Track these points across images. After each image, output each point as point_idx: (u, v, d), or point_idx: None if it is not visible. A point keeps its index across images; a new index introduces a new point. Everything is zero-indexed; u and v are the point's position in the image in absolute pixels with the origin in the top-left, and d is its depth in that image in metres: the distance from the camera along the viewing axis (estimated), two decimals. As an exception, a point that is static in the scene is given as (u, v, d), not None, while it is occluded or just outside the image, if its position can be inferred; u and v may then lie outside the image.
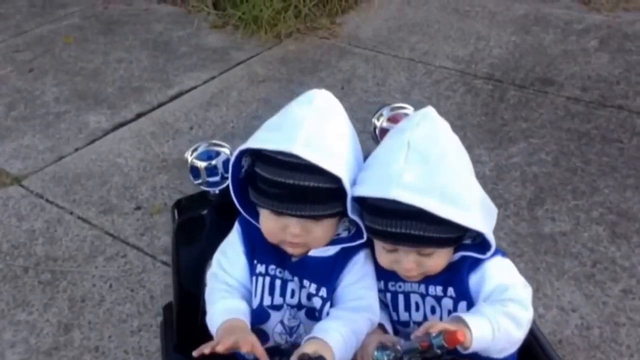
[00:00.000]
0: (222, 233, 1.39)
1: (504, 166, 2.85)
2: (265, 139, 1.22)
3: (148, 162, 3.07)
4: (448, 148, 1.21)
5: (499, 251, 1.26)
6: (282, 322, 1.33)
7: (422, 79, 3.56)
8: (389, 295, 1.31)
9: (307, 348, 1.15)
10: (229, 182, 1.28)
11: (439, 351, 1.08)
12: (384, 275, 1.30)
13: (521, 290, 1.22)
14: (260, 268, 1.33)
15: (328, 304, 1.28)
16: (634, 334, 2.09)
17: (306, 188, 1.18)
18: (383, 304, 1.31)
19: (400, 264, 1.23)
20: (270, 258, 1.32)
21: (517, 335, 1.18)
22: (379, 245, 1.25)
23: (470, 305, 1.23)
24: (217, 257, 1.37)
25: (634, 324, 2.13)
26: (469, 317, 1.14)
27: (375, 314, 1.27)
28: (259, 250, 1.33)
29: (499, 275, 1.24)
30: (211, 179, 1.48)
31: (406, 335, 1.24)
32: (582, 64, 3.56)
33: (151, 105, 3.53)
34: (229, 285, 1.33)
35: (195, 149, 1.47)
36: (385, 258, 1.25)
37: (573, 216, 2.57)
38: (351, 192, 1.20)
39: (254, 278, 1.33)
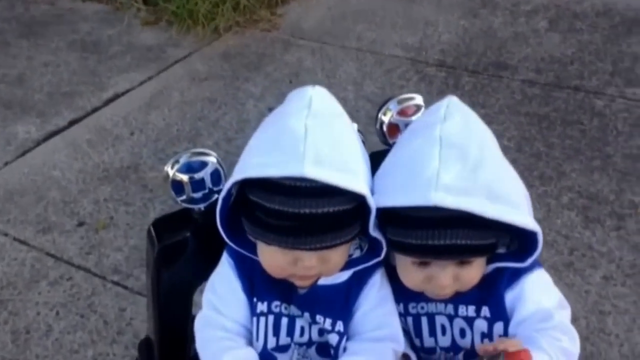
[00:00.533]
0: (210, 258, 1.21)
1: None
2: (263, 163, 1.00)
3: (87, 173, 2.85)
4: (484, 139, 1.06)
5: (537, 262, 1.11)
6: None
7: (373, 69, 3.46)
8: (410, 319, 1.14)
9: None
10: (219, 199, 1.07)
11: None
12: (402, 296, 1.14)
13: (566, 317, 1.08)
14: (262, 306, 1.14)
15: (345, 339, 1.12)
16: (621, 322, 2.04)
17: (325, 215, 0.99)
18: (404, 330, 1.14)
19: (434, 281, 1.05)
20: (272, 293, 1.13)
21: None
22: (406, 262, 1.07)
23: (507, 327, 1.08)
24: (208, 297, 1.16)
25: (620, 312, 2.08)
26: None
27: (400, 343, 1.11)
28: (258, 284, 1.13)
29: (539, 295, 1.09)
30: (196, 195, 1.26)
31: None
32: (534, 46, 3.53)
33: (85, 110, 3.29)
34: (228, 331, 1.13)
35: (177, 161, 1.25)
36: (415, 276, 1.07)
37: (544, 203, 2.51)
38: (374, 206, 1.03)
39: (254, 319, 1.14)
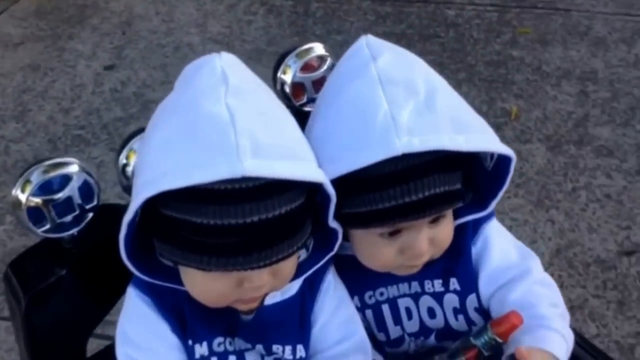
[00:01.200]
0: (98, 294, 0.98)
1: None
2: (183, 167, 0.76)
3: None
4: (424, 68, 0.91)
5: (493, 211, 0.97)
6: None
7: (213, 7, 3.19)
8: (369, 312, 0.98)
9: None
10: (123, 224, 0.80)
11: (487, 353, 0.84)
12: (356, 287, 0.97)
13: (540, 266, 0.97)
14: (201, 349, 0.90)
15: None
16: (524, 234, 2.04)
17: (277, 219, 0.77)
18: (365, 329, 0.97)
19: (410, 251, 0.89)
20: (210, 329, 0.90)
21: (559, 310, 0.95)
22: (372, 238, 0.90)
23: (479, 298, 0.96)
24: (124, 353, 0.90)
25: (519, 224, 2.08)
26: (542, 342, 0.88)
27: (368, 352, 0.94)
28: (191, 321, 0.90)
29: (505, 244, 0.98)
30: (64, 219, 0.98)
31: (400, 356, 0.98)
32: (375, -38, 3.43)
33: None
34: None
35: (27, 180, 0.94)
36: (387, 252, 0.89)
37: (421, 124, 2.46)
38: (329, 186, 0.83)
39: None
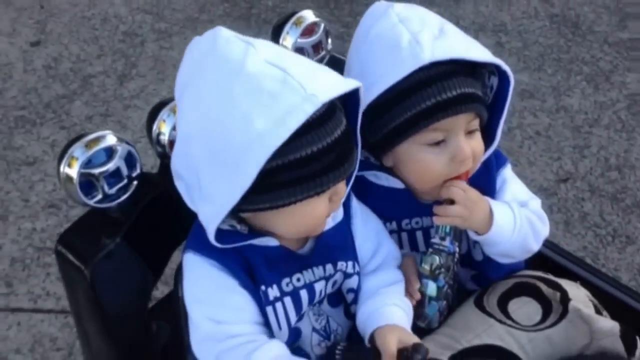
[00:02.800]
0: (149, 257, 1.09)
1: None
2: (273, 121, 0.88)
3: None
4: (431, 13, 1.12)
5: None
6: (313, 329, 1.10)
7: (133, -24, 3.19)
8: (404, 234, 1.17)
9: (392, 341, 0.97)
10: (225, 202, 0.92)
11: None
12: (396, 213, 1.16)
13: (539, 205, 1.20)
14: (274, 292, 1.03)
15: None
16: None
17: (344, 134, 0.95)
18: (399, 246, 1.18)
19: (458, 154, 1.07)
20: (276, 272, 1.04)
21: (533, 245, 1.17)
22: (421, 149, 1.08)
23: None
24: (199, 311, 1.01)
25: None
26: (493, 202, 1.12)
27: (397, 255, 1.14)
28: (260, 270, 1.02)
29: (516, 185, 1.20)
30: (113, 189, 1.07)
31: None
32: None
33: None
34: (241, 336, 1.00)
35: (72, 156, 1.03)
36: (437, 161, 1.08)
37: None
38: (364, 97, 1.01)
39: (269, 308, 1.03)
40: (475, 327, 1.09)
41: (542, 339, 1.06)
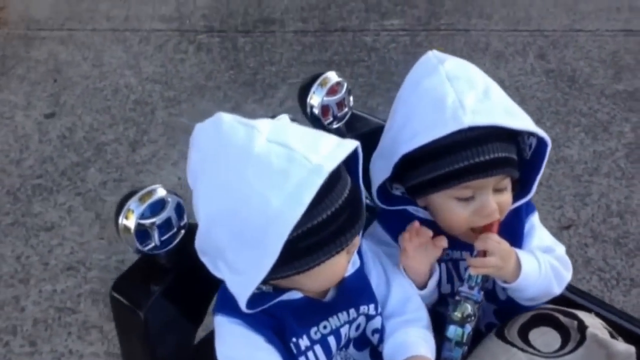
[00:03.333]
0: (194, 300, 1.22)
1: (280, 113, 2.96)
2: (287, 198, 0.97)
3: None
4: (480, 72, 1.22)
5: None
6: None
7: (142, 49, 3.42)
8: (443, 265, 1.29)
9: None
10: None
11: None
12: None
13: (563, 251, 1.31)
14: (304, 342, 1.14)
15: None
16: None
17: (353, 188, 1.08)
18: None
19: (482, 210, 1.19)
20: (307, 320, 1.14)
21: (556, 290, 1.27)
22: (449, 202, 1.20)
23: None
24: None
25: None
26: (519, 251, 1.22)
27: (410, 292, 1.24)
28: (290, 322, 1.12)
29: (542, 232, 1.30)
30: (165, 237, 1.19)
31: None
32: (289, -4, 3.81)
33: None
34: None
35: (129, 209, 1.15)
36: (462, 213, 1.19)
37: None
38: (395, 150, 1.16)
39: (302, 359, 1.13)
40: (499, 356, 1.19)
41: None
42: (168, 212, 1.20)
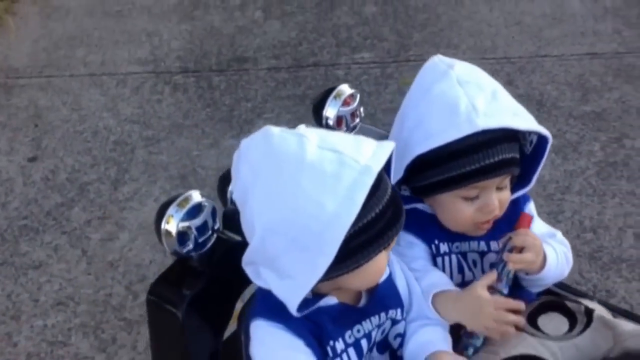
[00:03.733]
0: (223, 300, 1.34)
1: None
2: (341, 201, 1.06)
3: None
4: (486, 75, 1.33)
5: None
6: None
7: (119, 91, 3.56)
8: (447, 258, 1.39)
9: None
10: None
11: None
12: (438, 238, 1.39)
13: (562, 236, 1.46)
14: (340, 345, 1.23)
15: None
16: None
17: (393, 189, 1.19)
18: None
19: (485, 208, 1.31)
20: (343, 324, 1.24)
21: (566, 272, 1.40)
22: (455, 201, 1.32)
23: None
24: None
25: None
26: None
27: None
28: (328, 326, 1.22)
29: (539, 221, 1.45)
30: (201, 239, 1.32)
31: None
32: (261, 35, 3.96)
33: None
34: None
35: (170, 215, 1.28)
36: (467, 211, 1.32)
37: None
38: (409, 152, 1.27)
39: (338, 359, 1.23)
40: (511, 341, 1.29)
41: (571, 347, 1.27)
42: (205, 216, 1.33)
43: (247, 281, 1.30)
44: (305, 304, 1.17)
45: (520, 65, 3.63)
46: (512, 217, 1.39)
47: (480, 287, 1.28)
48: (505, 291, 1.33)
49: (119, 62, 3.79)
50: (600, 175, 2.95)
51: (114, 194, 2.91)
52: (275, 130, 1.13)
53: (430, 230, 1.39)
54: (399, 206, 1.17)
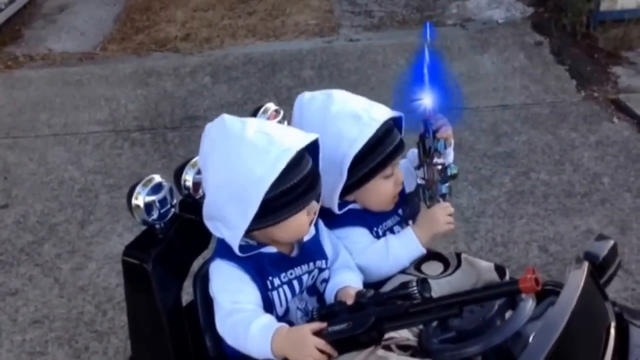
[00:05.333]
0: (182, 261, 1.75)
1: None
2: (267, 167, 1.45)
3: None
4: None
5: None
6: (298, 308, 1.65)
7: (82, 147, 3.94)
8: (382, 238, 1.76)
9: (350, 291, 1.56)
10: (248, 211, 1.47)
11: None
12: (369, 225, 1.76)
13: None
14: (277, 281, 1.59)
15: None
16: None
17: (313, 165, 1.54)
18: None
19: (398, 181, 1.72)
20: (279, 267, 1.60)
21: None
22: (378, 182, 1.70)
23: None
24: (223, 297, 1.55)
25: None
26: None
27: (350, 262, 1.72)
28: (268, 267, 1.58)
29: None
30: (163, 210, 1.68)
31: None
32: (210, 97, 4.43)
33: None
34: (250, 311, 1.53)
35: (138, 192, 1.64)
36: (388, 186, 1.71)
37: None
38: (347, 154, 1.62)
39: (274, 293, 1.59)
40: (399, 281, 1.60)
41: (445, 283, 1.65)
42: (164, 192, 1.69)
43: (197, 251, 1.77)
44: (250, 248, 1.58)
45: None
46: (402, 194, 1.82)
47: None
48: (445, 190, 1.76)
49: (81, 124, 4.18)
50: (509, 201, 3.41)
51: (81, 232, 3.25)
52: (227, 117, 1.56)
53: (366, 219, 1.78)
54: (316, 181, 1.56)
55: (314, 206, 1.59)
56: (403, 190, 1.82)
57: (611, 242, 1.58)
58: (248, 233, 1.55)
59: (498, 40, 5.01)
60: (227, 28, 5.50)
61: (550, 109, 4.17)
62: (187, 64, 4.89)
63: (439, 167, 1.75)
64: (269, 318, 1.53)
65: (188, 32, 5.44)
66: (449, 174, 1.77)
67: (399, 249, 1.72)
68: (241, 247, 1.56)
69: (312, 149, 1.58)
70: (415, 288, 1.44)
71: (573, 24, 4.91)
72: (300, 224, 1.58)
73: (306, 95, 1.80)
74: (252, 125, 1.54)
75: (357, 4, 5.93)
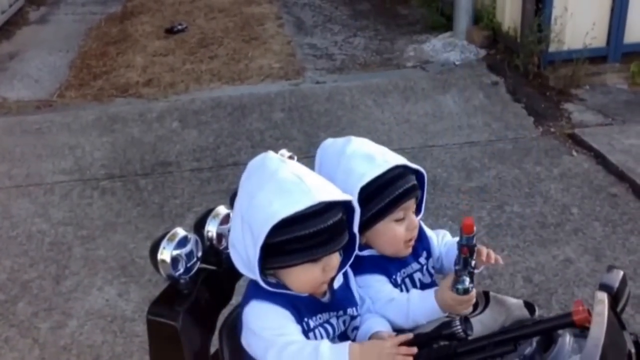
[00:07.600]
0: (209, 314, 1.59)
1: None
2: (284, 204, 1.40)
3: None
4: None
5: None
6: None
7: (48, 198, 3.69)
8: (402, 286, 1.68)
9: (385, 335, 1.49)
10: (256, 250, 1.41)
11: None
12: (388, 272, 1.67)
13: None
14: (313, 322, 1.53)
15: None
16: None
17: (338, 222, 1.46)
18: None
19: (410, 225, 1.64)
20: (314, 309, 1.53)
21: None
22: (389, 225, 1.62)
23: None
24: (268, 333, 1.47)
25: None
26: None
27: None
28: (303, 308, 1.52)
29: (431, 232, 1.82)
30: (189, 264, 1.55)
31: None
32: (181, 142, 4.25)
33: None
34: (303, 340, 1.47)
35: (164, 247, 1.50)
36: (399, 230, 1.63)
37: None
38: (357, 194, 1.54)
39: (310, 334, 1.51)
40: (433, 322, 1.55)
41: (476, 322, 1.52)
42: (191, 245, 1.56)
43: (222, 303, 1.64)
44: (280, 286, 1.51)
45: (413, 154, 4.06)
46: (421, 238, 1.74)
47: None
48: (471, 285, 1.58)
49: (44, 174, 3.93)
50: (489, 234, 3.36)
51: (57, 288, 3.00)
52: (270, 154, 1.55)
53: (384, 266, 1.69)
54: (337, 236, 1.47)
55: (332, 262, 1.51)
56: (421, 237, 1.73)
57: (621, 273, 1.57)
58: (265, 272, 1.50)
59: (457, 81, 5.02)
60: (190, 72, 5.35)
61: (513, 145, 4.19)
62: (152, 109, 4.70)
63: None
64: (328, 344, 1.46)
65: (150, 78, 5.26)
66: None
67: (418, 312, 1.61)
68: (271, 284, 1.51)
69: (349, 212, 1.52)
70: (459, 327, 1.40)
71: (525, 64, 4.97)
72: (312, 277, 1.50)
73: (328, 140, 1.76)
74: (289, 167, 1.51)
75: (318, 47, 5.91)
